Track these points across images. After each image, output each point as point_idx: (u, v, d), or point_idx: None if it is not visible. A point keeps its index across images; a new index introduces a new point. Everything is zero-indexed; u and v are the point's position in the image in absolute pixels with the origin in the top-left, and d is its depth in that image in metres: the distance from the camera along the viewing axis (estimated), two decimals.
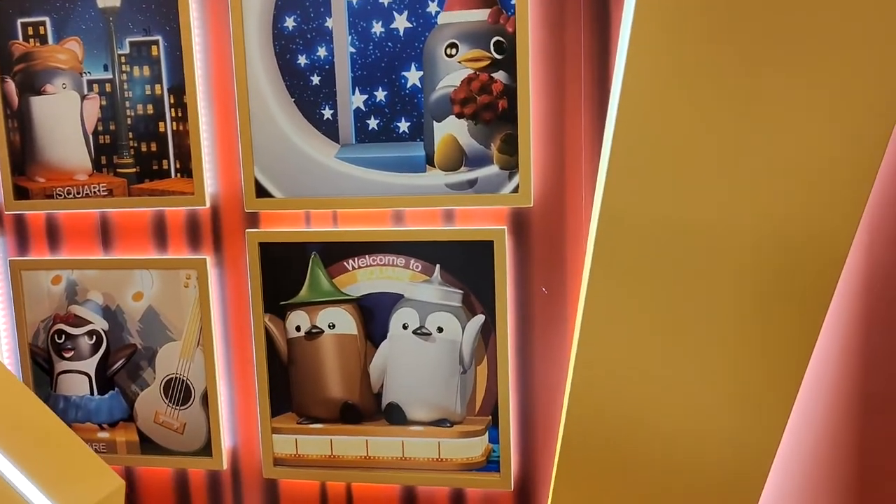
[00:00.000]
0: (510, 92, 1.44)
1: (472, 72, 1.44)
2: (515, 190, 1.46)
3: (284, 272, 1.57)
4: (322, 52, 1.50)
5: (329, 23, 1.49)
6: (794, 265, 1.09)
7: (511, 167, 1.46)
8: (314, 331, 1.57)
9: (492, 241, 1.48)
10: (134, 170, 1.61)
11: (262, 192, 1.55)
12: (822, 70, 1.02)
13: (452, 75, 1.45)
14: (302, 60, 1.51)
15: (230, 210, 1.61)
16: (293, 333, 1.59)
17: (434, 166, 1.49)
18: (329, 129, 1.52)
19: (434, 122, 1.48)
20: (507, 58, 1.43)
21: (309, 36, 1.50)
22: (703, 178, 1.07)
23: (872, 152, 1.04)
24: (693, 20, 1.03)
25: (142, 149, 1.60)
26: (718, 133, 1.05)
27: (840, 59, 1.02)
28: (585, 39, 1.43)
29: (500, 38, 1.43)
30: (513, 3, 1.42)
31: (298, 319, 1.58)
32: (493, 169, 1.46)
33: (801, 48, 1.02)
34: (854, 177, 1.05)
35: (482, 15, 1.43)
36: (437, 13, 1.45)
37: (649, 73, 1.07)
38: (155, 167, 1.60)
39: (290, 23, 1.50)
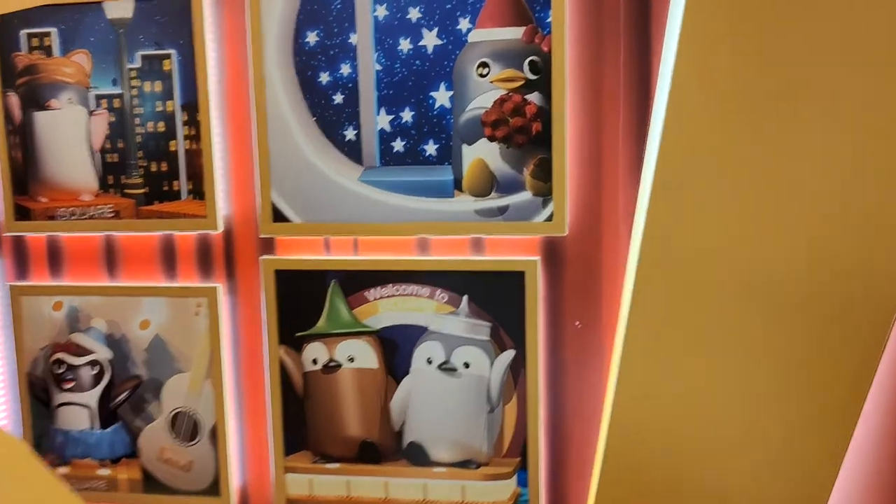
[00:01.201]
0: (545, 114, 1.51)
1: (505, 93, 1.51)
2: (549, 218, 1.53)
3: (301, 302, 1.65)
4: (346, 69, 1.58)
5: (354, 38, 1.57)
6: (845, 300, 1.16)
7: (544, 194, 1.52)
8: (332, 364, 1.65)
9: (523, 272, 1.55)
10: (143, 190, 1.71)
11: (278, 216, 1.62)
12: (870, 103, 1.10)
13: (484, 96, 1.53)
14: (324, 78, 1.59)
15: (244, 235, 1.69)
16: (309, 367, 1.66)
17: (463, 191, 1.55)
18: (352, 151, 1.59)
19: (463, 145, 1.55)
20: (542, 78, 1.50)
21: (332, 52, 1.58)
22: (751, 208, 1.14)
23: None
24: (743, 46, 1.11)
25: (151, 168, 1.70)
26: (767, 162, 1.13)
27: (888, 89, 1.10)
28: (625, 61, 1.50)
29: (535, 58, 1.51)
30: (549, 21, 1.50)
31: (315, 352, 1.66)
32: (525, 195, 1.53)
33: (850, 79, 1.10)
34: None
35: (516, 33, 1.51)
36: (469, 30, 1.53)
37: (695, 100, 1.14)
38: (165, 188, 1.70)
39: (312, 38, 1.58)
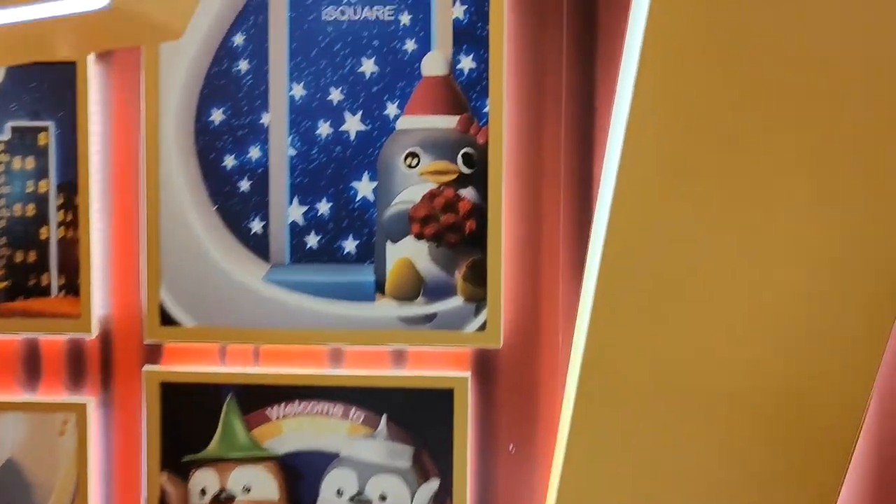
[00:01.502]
0: (479, 212, 1.46)
1: (436, 186, 1.47)
2: (482, 328, 1.47)
3: (190, 420, 1.52)
4: (255, 152, 1.50)
5: (266, 119, 1.49)
6: (805, 413, 1.11)
7: (478, 300, 1.47)
8: (224, 496, 1.52)
9: (451, 390, 1.47)
10: (4, 284, 1.56)
11: (167, 318, 1.52)
12: (835, 200, 1.05)
13: (412, 189, 1.48)
14: (229, 162, 1.50)
15: (125, 340, 1.57)
16: (197, 499, 1.52)
17: (385, 295, 1.48)
18: (258, 246, 1.51)
19: (387, 243, 1.49)
20: (478, 173, 1.46)
21: (240, 133, 1.50)
22: (702, 317, 1.11)
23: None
24: (690, 146, 1.07)
25: (16, 258, 1.56)
26: (717, 268, 1.09)
27: (859, 184, 1.05)
28: (566, 157, 1.48)
29: (470, 150, 1.46)
30: (485, 110, 1.46)
31: (205, 480, 1.52)
32: (456, 301, 1.47)
33: (811, 178, 1.06)
34: (873, 313, 1.07)
35: (450, 122, 1.47)
36: (397, 117, 1.48)
37: (641, 202, 1.10)
38: (32, 282, 1.55)
39: (217, 116, 1.50)
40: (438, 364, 1.52)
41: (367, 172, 1.50)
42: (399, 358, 1.53)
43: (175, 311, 1.53)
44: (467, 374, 1.50)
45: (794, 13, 1.01)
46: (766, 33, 1.02)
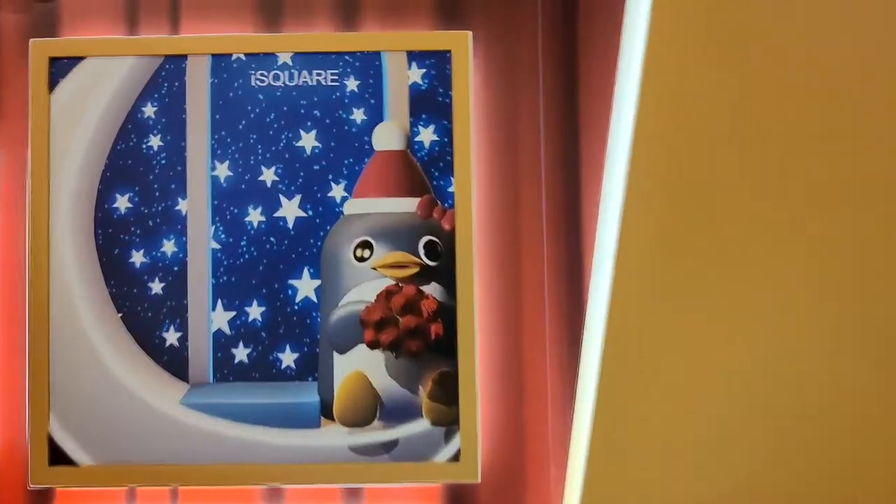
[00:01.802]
0: (447, 313, 1.35)
1: (393, 283, 1.36)
2: (455, 458, 1.33)
3: None
4: (169, 246, 1.38)
5: (183, 206, 1.37)
6: None
7: (448, 422, 1.34)
8: None
9: None
10: None
11: (59, 456, 1.36)
12: (839, 288, 1.04)
13: (364, 287, 1.36)
14: (137, 258, 1.38)
15: (4, 484, 1.41)
16: None
17: (333, 420, 1.35)
18: (173, 361, 1.38)
19: (335, 354, 1.36)
20: (443, 265, 1.36)
21: (151, 223, 1.38)
22: (705, 448, 1.09)
23: None
24: (691, 227, 1.06)
25: None
26: (722, 360, 1.07)
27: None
28: (549, 242, 1.38)
29: (434, 238, 1.36)
30: (451, 190, 1.35)
31: None
32: (421, 424, 1.34)
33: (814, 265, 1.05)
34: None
35: (408, 205, 1.36)
36: (344, 199, 1.37)
37: (644, 291, 1.07)
38: None
39: (122, 202, 1.37)
40: (403, 500, 1.37)
41: (307, 268, 1.38)
42: (353, 497, 1.38)
43: (69, 447, 1.37)
44: None
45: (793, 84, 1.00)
46: (768, 102, 1.00)
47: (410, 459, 1.33)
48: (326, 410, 1.35)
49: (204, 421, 1.35)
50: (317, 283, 1.36)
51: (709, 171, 1.05)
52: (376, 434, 1.34)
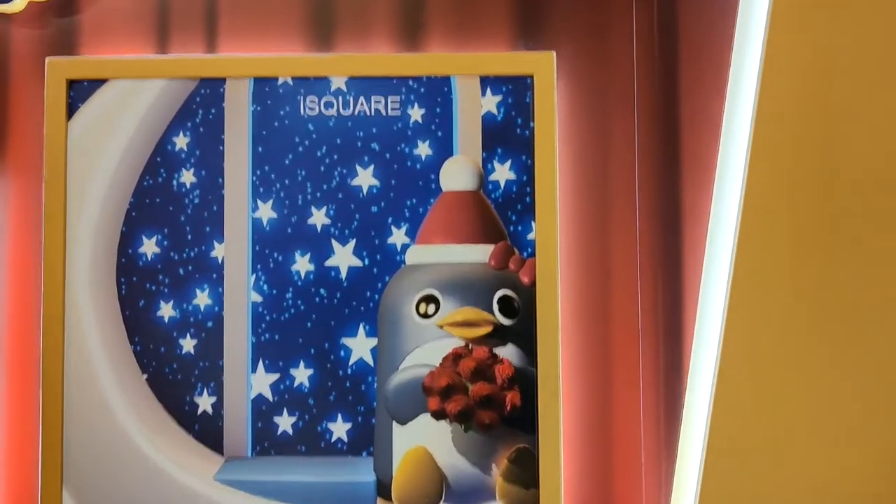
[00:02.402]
0: (526, 380, 1.27)
1: (463, 344, 1.27)
2: None
3: None
4: (202, 298, 1.32)
5: (219, 251, 1.30)
6: None
7: None
8: None
9: None
10: None
11: None
12: None
13: (428, 348, 1.30)
14: (166, 312, 1.32)
15: None
16: None
17: (391, 502, 1.26)
18: (206, 431, 1.31)
19: (394, 426, 1.28)
20: (521, 324, 1.28)
21: (182, 271, 1.32)
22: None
23: None
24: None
25: None
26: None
27: None
28: (644, 300, 1.29)
29: (510, 293, 1.28)
30: (531, 237, 1.25)
31: None
32: None
33: None
34: None
35: (481, 254, 1.28)
36: (406, 247, 1.29)
37: (750, 382, 1.10)
38: None
39: (150, 247, 1.31)
40: None
41: (363, 325, 1.31)
42: None
43: None
44: None
45: None
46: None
47: None
48: (384, 491, 1.28)
49: (242, 500, 1.28)
50: (373, 342, 1.29)
51: (827, 216, 1.06)
52: None
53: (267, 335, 1.29)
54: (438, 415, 1.25)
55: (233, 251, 1.31)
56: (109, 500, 1.30)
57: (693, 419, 1.15)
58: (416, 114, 1.27)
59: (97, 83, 1.29)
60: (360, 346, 1.28)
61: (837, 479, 1.12)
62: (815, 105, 1.07)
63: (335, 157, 1.27)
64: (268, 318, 1.29)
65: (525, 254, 1.28)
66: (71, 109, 1.28)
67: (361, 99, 1.27)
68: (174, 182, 1.28)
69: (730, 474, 1.10)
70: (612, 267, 1.31)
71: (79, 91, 1.28)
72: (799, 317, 1.09)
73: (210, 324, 1.29)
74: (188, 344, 1.30)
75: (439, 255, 1.30)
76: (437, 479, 1.25)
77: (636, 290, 1.29)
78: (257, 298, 1.30)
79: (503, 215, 1.27)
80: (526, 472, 1.24)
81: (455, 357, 1.26)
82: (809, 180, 1.07)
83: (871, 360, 1.11)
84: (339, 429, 1.28)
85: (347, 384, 1.29)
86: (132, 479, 1.29)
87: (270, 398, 1.28)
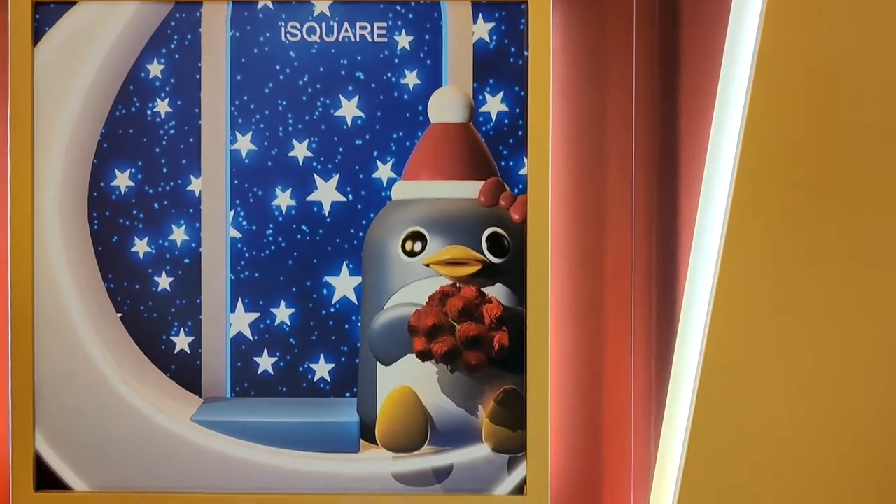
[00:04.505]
0: (514, 320, 1.27)
1: (450, 283, 1.28)
2: (520, 490, 1.27)
3: None
4: (179, 234, 1.32)
5: (195, 185, 1.30)
6: None
7: (513, 449, 1.28)
8: None
9: None
10: None
11: (48, 479, 1.31)
12: None
13: (414, 287, 1.30)
14: (140, 248, 1.33)
15: None
16: None
17: (375, 443, 1.28)
18: (184, 371, 1.32)
19: (378, 367, 1.29)
20: (511, 263, 1.28)
21: (157, 205, 1.31)
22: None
23: None
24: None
25: None
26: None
27: None
28: (639, 238, 1.31)
29: (499, 231, 1.28)
30: (523, 173, 1.26)
31: None
32: (480, 450, 1.28)
33: None
34: None
35: (470, 190, 1.28)
36: (392, 182, 1.29)
37: (743, 319, 1.12)
38: None
39: (123, 180, 1.31)
40: None
41: (346, 263, 1.30)
42: None
43: (59, 469, 1.31)
44: None
45: None
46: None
47: (466, 491, 1.28)
48: (367, 432, 1.30)
49: (220, 442, 1.30)
50: (357, 280, 1.29)
51: (821, 167, 1.09)
52: (426, 460, 1.28)
53: (246, 273, 1.30)
54: (424, 355, 1.27)
55: (210, 185, 1.31)
56: (84, 443, 1.31)
57: (685, 359, 1.19)
58: (403, 41, 1.26)
59: (65, 6, 1.28)
60: (343, 284, 1.30)
61: (826, 423, 1.15)
62: (818, 40, 1.09)
63: (318, 86, 1.27)
64: (247, 255, 1.29)
65: (516, 190, 1.28)
66: (37, 34, 1.28)
67: (346, 25, 1.27)
68: (148, 112, 1.28)
69: (720, 416, 1.13)
70: (605, 205, 1.32)
71: (45, 14, 1.28)
72: (796, 253, 1.12)
73: (187, 261, 1.30)
74: (164, 281, 1.31)
75: (427, 190, 1.30)
76: (422, 420, 1.27)
77: (630, 230, 1.31)
78: (236, 234, 1.30)
79: (494, 149, 1.27)
80: (513, 413, 1.27)
81: (442, 296, 1.27)
82: (811, 115, 1.09)
83: (868, 301, 1.13)
84: (322, 369, 1.30)
85: (330, 323, 1.30)
86: (107, 422, 1.31)
87: (250, 337, 1.30)
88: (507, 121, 1.26)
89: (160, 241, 1.30)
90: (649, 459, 1.26)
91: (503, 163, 1.27)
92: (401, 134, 1.27)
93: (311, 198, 1.30)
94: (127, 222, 1.31)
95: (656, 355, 1.29)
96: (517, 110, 1.25)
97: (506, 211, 1.27)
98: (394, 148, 1.27)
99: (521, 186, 1.27)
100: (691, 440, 1.13)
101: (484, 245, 1.27)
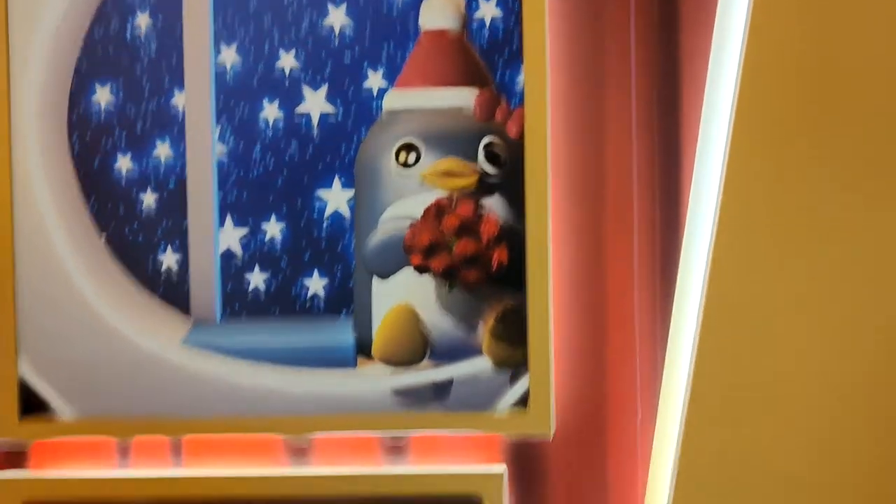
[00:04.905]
0: (513, 235, 1.27)
1: (446, 196, 1.28)
2: (522, 403, 1.27)
3: None
4: (163, 151, 1.30)
5: (179, 100, 1.29)
6: None
7: (514, 363, 1.27)
8: None
9: (476, 499, 1.27)
10: None
11: (33, 404, 1.30)
12: None
13: (408, 201, 1.28)
14: (124, 165, 1.30)
15: None
16: None
17: (372, 359, 1.29)
18: (172, 292, 1.32)
19: (374, 282, 1.29)
20: (509, 175, 1.28)
21: (139, 123, 1.30)
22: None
23: None
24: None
25: None
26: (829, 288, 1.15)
27: None
28: (640, 150, 1.31)
29: (495, 141, 1.27)
30: (519, 83, 1.25)
31: None
32: (480, 364, 1.28)
33: None
34: None
35: (464, 98, 1.27)
36: (383, 91, 1.27)
37: (748, 230, 1.13)
38: None
39: (103, 97, 1.30)
40: (457, 455, 1.32)
41: (338, 177, 1.29)
42: (396, 450, 1.35)
43: (46, 395, 1.31)
44: (501, 470, 1.28)
45: None
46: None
47: (467, 406, 1.28)
48: (364, 349, 1.29)
49: (212, 364, 1.30)
50: (349, 194, 1.28)
51: (817, 106, 1.11)
52: (426, 374, 1.28)
53: (234, 190, 1.30)
54: (421, 270, 1.27)
55: (194, 100, 1.30)
56: (71, 369, 1.31)
57: (690, 267, 1.20)
58: None
59: None
60: (335, 198, 1.29)
61: (837, 344, 1.17)
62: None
63: None
64: (236, 171, 1.29)
65: (512, 101, 1.27)
66: None
67: None
68: (128, 26, 1.27)
69: (727, 325, 1.15)
70: (605, 120, 1.32)
71: None
72: (802, 166, 1.13)
73: (172, 178, 1.29)
74: (149, 201, 1.30)
75: (420, 100, 1.28)
76: (420, 337, 1.28)
77: (631, 144, 1.31)
78: (222, 150, 1.30)
79: (489, 60, 1.26)
80: (515, 329, 1.27)
81: (438, 211, 1.27)
82: (811, 44, 1.11)
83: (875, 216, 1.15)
84: (316, 286, 1.30)
85: (324, 241, 1.29)
86: (94, 347, 1.31)
87: (240, 256, 1.30)
88: (501, 28, 1.25)
89: (144, 160, 1.31)
90: (656, 371, 1.28)
91: (499, 74, 1.26)
92: (392, 42, 1.26)
93: (299, 110, 1.29)
94: (108, 142, 1.31)
95: (660, 265, 1.30)
96: (512, 17, 1.24)
97: (501, 124, 1.27)
98: (384, 57, 1.26)
99: (517, 99, 1.26)
100: (699, 351, 1.14)
101: (481, 154, 1.26)
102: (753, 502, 1.19)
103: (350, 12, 1.24)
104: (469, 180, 1.26)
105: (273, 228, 1.29)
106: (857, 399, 1.18)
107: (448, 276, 1.27)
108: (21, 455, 1.34)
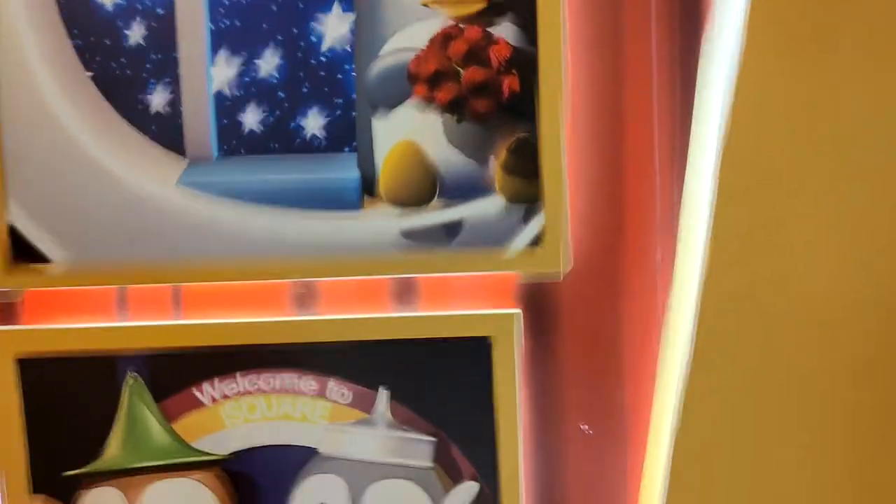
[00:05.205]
0: (525, 62, 1.20)
1: (452, 22, 1.20)
2: (536, 242, 1.21)
3: (72, 413, 1.27)
4: None
5: None
6: None
7: (528, 199, 1.21)
8: None
9: (488, 340, 1.23)
10: None
11: (26, 252, 1.24)
12: None
13: (412, 28, 1.20)
14: None
15: None
16: None
17: (378, 198, 1.23)
18: (165, 131, 1.22)
19: (377, 116, 1.22)
20: None
21: None
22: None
23: None
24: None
25: None
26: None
27: None
28: None
29: None
30: None
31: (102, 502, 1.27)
32: (493, 202, 1.21)
33: None
34: None
35: None
36: None
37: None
38: None
39: None
40: (467, 300, 1.27)
41: (337, 1, 1.21)
42: (405, 293, 1.29)
43: (37, 241, 1.25)
44: (515, 312, 1.23)
45: None
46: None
47: (479, 245, 1.22)
48: (369, 187, 1.23)
49: (209, 205, 1.23)
50: (349, 19, 1.20)
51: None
52: (435, 215, 1.22)
53: (226, 20, 1.22)
54: (427, 102, 1.21)
55: None
56: (64, 214, 1.26)
57: (709, 95, 1.18)
58: None
59: None
60: (334, 25, 1.21)
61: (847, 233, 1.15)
62: None
63: None
64: (226, 1, 1.22)
65: None
66: None
67: None
68: None
69: (748, 152, 1.13)
70: None
71: None
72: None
73: (160, 10, 1.22)
74: (136, 33, 1.22)
75: None
76: (428, 175, 1.22)
77: None
78: None
79: None
80: (528, 161, 1.22)
81: (444, 38, 1.19)
82: None
83: None
84: (315, 122, 1.23)
85: (322, 72, 1.22)
86: (87, 190, 1.25)
87: (235, 90, 1.24)
88: None
89: None
90: (674, 206, 1.24)
91: None
92: None
93: None
94: None
95: (681, 90, 1.24)
96: None
97: None
98: None
99: None
100: (721, 182, 1.12)
101: None
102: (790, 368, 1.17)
103: None
104: (477, 5, 1.20)
105: (269, 61, 1.22)
106: None
107: (456, 109, 1.21)
108: (12, 307, 1.30)
